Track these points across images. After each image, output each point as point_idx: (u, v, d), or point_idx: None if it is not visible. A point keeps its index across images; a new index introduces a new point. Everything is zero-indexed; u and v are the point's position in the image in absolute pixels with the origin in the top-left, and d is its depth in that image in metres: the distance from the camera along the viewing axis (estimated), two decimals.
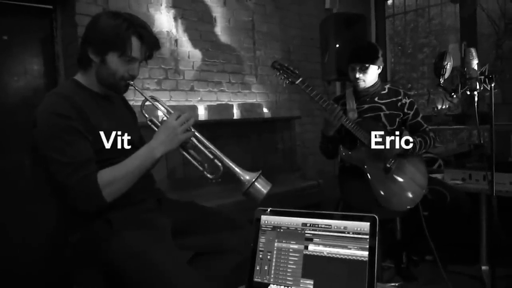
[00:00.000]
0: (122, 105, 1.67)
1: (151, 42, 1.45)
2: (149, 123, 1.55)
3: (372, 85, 2.37)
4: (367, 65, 2.31)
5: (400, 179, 2.21)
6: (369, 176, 2.18)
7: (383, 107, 2.36)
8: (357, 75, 2.32)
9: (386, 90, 2.41)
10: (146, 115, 1.55)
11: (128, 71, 1.44)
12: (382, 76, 4.08)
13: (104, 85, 1.47)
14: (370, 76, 2.34)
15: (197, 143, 1.50)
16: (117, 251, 1.33)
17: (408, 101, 2.38)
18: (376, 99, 2.38)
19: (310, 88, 2.13)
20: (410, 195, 2.19)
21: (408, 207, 2.18)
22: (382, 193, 2.16)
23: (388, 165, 2.21)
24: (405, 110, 2.37)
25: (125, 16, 1.43)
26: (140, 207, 1.47)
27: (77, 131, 1.33)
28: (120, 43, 1.38)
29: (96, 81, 1.46)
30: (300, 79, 2.13)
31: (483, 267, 2.59)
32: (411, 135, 2.36)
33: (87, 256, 1.42)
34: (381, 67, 2.38)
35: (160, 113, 2.91)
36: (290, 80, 2.13)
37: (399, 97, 2.38)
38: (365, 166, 2.20)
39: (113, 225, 1.37)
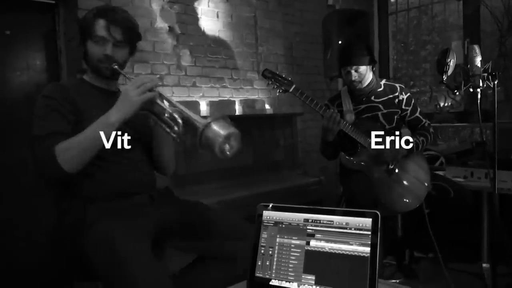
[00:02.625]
0: None
1: (120, 22, 1.52)
2: None
3: (368, 83, 2.33)
4: (359, 66, 2.27)
5: (404, 179, 2.20)
6: (373, 181, 2.17)
7: (381, 106, 2.33)
8: (353, 78, 2.28)
9: (382, 87, 2.37)
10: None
11: (102, 51, 1.51)
12: (384, 72, 4.10)
13: (95, 73, 1.56)
14: (365, 76, 2.30)
15: (162, 104, 1.44)
16: (88, 242, 1.35)
17: (405, 96, 2.35)
18: (372, 98, 2.35)
19: (305, 95, 2.09)
20: (415, 194, 2.18)
21: (414, 207, 2.17)
22: (388, 197, 2.14)
23: (391, 167, 2.19)
24: (403, 107, 2.35)
25: (98, 6, 1.58)
26: (128, 201, 1.48)
27: (55, 109, 1.42)
28: (88, 27, 1.51)
29: (93, 75, 1.57)
30: (294, 86, 2.09)
31: (484, 265, 2.59)
32: (412, 134, 2.35)
33: (64, 244, 1.45)
34: (374, 64, 2.34)
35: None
36: (283, 88, 2.10)
37: (396, 94, 2.34)
38: (370, 174, 2.18)
39: (87, 216, 1.40)
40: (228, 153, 1.32)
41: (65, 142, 1.35)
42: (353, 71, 2.27)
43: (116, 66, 1.52)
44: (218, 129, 1.28)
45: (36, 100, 1.46)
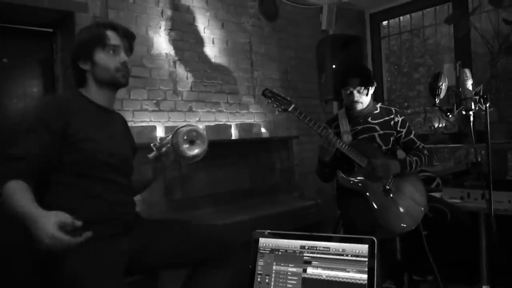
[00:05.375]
0: (120, 122, 1.72)
1: (124, 30, 1.59)
2: (152, 145, 1.67)
3: (366, 106, 2.39)
4: (367, 87, 2.33)
5: (400, 200, 2.20)
6: (370, 201, 2.17)
7: (377, 127, 2.37)
8: (356, 98, 2.33)
9: (378, 110, 2.42)
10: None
11: (118, 60, 1.54)
12: (379, 94, 4.15)
13: (106, 85, 1.56)
14: (367, 98, 2.37)
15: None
16: (62, 277, 1.33)
17: (400, 119, 2.39)
18: (369, 119, 2.39)
19: (303, 115, 2.12)
20: (411, 215, 2.18)
21: (411, 228, 2.16)
22: (385, 217, 2.14)
23: (387, 187, 2.20)
24: (398, 129, 2.39)
25: (95, 22, 1.64)
26: (101, 228, 1.40)
27: (36, 129, 1.39)
28: (97, 38, 1.52)
29: (96, 90, 1.56)
30: (293, 106, 2.12)
31: (484, 287, 2.56)
32: (406, 154, 2.38)
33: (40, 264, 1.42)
34: (373, 86, 2.40)
35: (158, 134, 2.94)
36: (282, 107, 2.12)
37: (392, 116, 2.39)
38: (367, 193, 2.19)
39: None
40: (193, 153, 1.57)
41: (16, 186, 1.30)
42: (355, 92, 2.33)
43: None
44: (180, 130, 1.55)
45: (28, 112, 1.46)
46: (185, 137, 1.59)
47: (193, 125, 1.63)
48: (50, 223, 1.17)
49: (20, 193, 1.29)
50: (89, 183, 1.45)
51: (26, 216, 1.24)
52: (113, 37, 1.54)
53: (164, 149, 1.65)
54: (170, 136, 1.63)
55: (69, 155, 1.42)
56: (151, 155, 1.71)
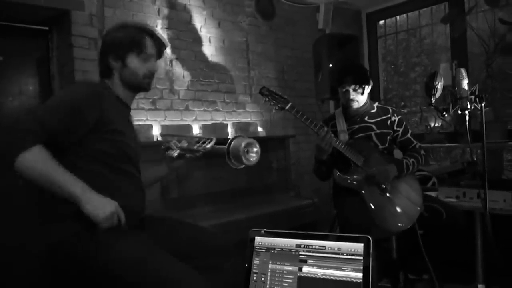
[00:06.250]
0: (131, 117, 1.76)
1: (160, 39, 1.66)
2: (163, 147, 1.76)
3: (363, 104, 2.39)
4: (362, 86, 2.34)
5: (396, 199, 2.21)
6: (366, 200, 2.18)
7: (374, 126, 2.37)
8: (351, 97, 2.34)
9: (375, 109, 2.43)
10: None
11: (148, 68, 1.59)
12: (375, 94, 4.16)
13: (130, 87, 1.61)
14: (364, 97, 2.37)
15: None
16: (112, 261, 1.34)
17: (397, 118, 2.40)
18: (366, 118, 2.40)
19: (300, 113, 2.12)
20: (407, 214, 2.18)
21: (407, 227, 2.17)
22: (380, 215, 2.14)
23: (383, 186, 2.21)
24: (395, 128, 2.39)
25: (135, 22, 1.73)
26: (127, 233, 1.47)
27: (72, 113, 1.39)
28: (136, 43, 1.55)
29: (120, 87, 1.59)
30: (290, 104, 2.12)
31: (480, 286, 2.57)
32: (403, 155, 2.38)
33: (65, 262, 1.42)
34: (370, 85, 2.41)
35: (154, 133, 2.93)
36: (279, 106, 2.12)
37: (388, 115, 2.40)
38: (363, 191, 2.20)
39: (96, 236, 1.38)
40: (252, 160, 1.59)
41: (46, 154, 1.32)
42: (351, 90, 2.33)
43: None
44: (235, 142, 1.57)
45: (68, 88, 1.47)
46: (245, 151, 1.60)
47: (247, 138, 1.63)
48: (113, 205, 1.36)
49: (55, 167, 1.32)
50: (113, 174, 1.48)
51: (77, 196, 1.32)
52: (150, 46, 1.59)
53: (197, 153, 1.72)
54: (210, 144, 1.70)
55: (100, 143, 1.46)
56: (174, 154, 1.75)
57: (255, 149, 1.61)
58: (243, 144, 1.55)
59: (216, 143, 1.71)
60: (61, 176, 1.33)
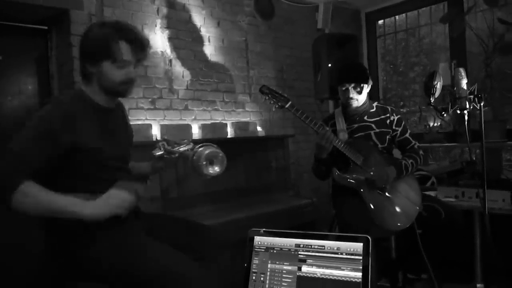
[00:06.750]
0: (120, 118, 1.71)
1: (140, 42, 1.51)
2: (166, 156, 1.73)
3: (362, 104, 2.40)
4: (362, 84, 2.34)
5: (395, 199, 2.22)
6: (365, 200, 2.18)
7: (373, 125, 2.38)
8: (351, 95, 2.34)
9: (375, 109, 2.43)
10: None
11: (125, 74, 1.50)
12: (374, 93, 4.16)
13: (108, 93, 1.54)
14: (363, 96, 2.37)
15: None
16: (96, 256, 1.38)
17: (396, 117, 2.40)
18: (365, 118, 2.40)
19: (300, 112, 2.13)
20: (406, 214, 2.19)
21: (406, 227, 2.17)
22: (379, 215, 2.15)
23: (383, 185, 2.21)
24: (394, 127, 2.39)
25: (111, 24, 1.50)
26: (123, 226, 1.49)
27: (46, 137, 1.36)
28: (110, 50, 1.45)
29: (98, 92, 1.53)
30: (289, 102, 2.12)
31: (478, 285, 2.58)
32: (402, 156, 2.39)
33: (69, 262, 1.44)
34: (370, 84, 2.41)
35: (153, 132, 2.93)
36: (279, 104, 2.12)
37: (387, 115, 2.40)
38: (361, 190, 2.20)
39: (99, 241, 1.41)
40: (211, 172, 1.61)
41: (35, 188, 1.31)
42: (350, 88, 2.33)
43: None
44: (201, 152, 1.57)
45: (32, 118, 1.40)
46: (205, 162, 1.61)
47: (212, 147, 1.64)
48: (126, 193, 1.39)
49: (48, 197, 1.32)
50: (95, 184, 1.47)
51: (79, 214, 1.32)
52: (126, 52, 1.47)
53: (173, 155, 1.70)
54: (185, 147, 1.68)
55: (76, 161, 1.44)
56: (156, 153, 1.73)
57: (219, 160, 1.61)
58: (204, 155, 1.56)
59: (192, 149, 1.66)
60: (55, 203, 1.32)
